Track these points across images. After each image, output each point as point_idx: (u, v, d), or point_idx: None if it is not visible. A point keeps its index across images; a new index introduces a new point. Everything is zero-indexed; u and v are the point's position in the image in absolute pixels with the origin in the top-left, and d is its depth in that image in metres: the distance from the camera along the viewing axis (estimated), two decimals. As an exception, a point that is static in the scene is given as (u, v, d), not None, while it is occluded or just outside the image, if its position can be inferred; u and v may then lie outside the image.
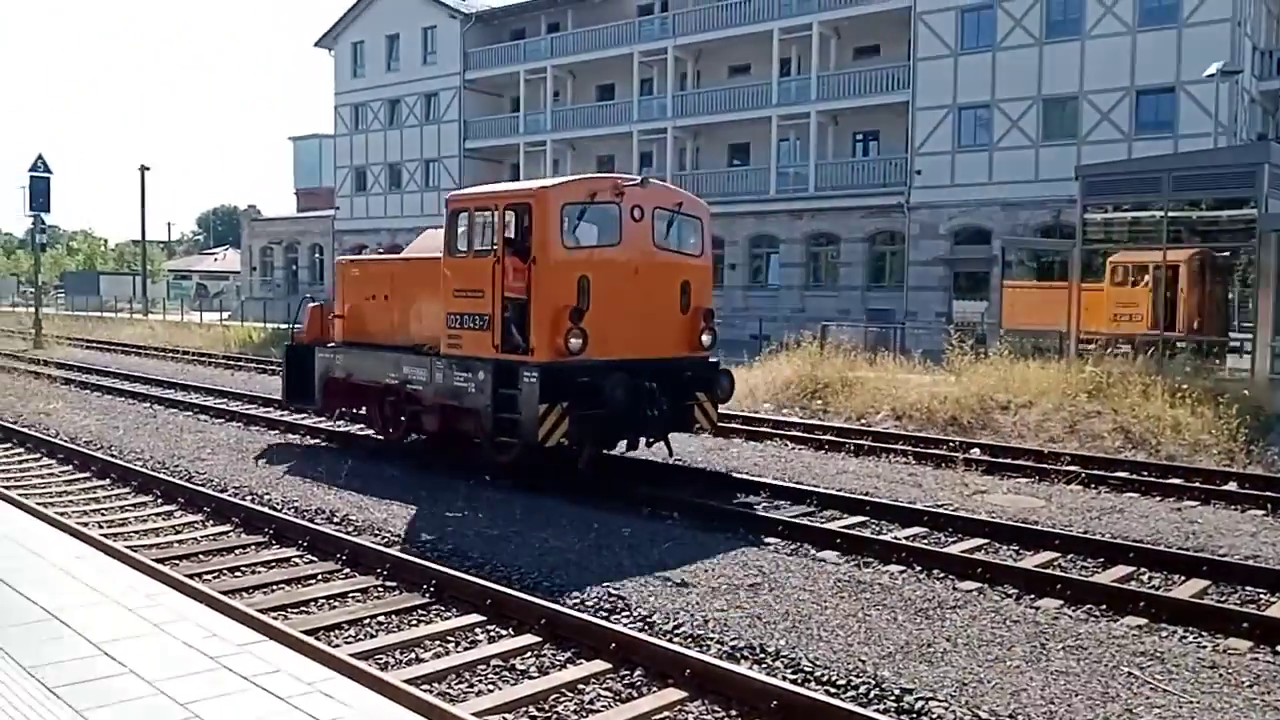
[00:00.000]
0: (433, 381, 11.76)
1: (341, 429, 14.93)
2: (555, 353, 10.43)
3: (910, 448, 13.81)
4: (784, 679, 5.62)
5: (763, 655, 6.06)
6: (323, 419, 15.53)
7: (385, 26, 49.77)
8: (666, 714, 5.29)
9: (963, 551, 8.52)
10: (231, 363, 28.44)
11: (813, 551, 8.54)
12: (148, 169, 63.84)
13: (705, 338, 11.77)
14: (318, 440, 14.38)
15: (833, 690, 5.56)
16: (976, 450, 13.57)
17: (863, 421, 16.66)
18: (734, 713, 5.28)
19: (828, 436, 14.78)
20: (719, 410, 12.18)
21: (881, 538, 8.88)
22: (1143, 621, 6.86)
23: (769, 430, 15.40)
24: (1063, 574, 7.86)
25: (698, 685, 5.48)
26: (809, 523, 9.35)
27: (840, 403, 17.83)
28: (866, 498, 10.47)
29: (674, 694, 5.45)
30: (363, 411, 14.03)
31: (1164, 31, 29.18)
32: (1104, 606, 7.14)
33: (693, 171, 40.78)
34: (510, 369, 10.59)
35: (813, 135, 36.38)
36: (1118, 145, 29.34)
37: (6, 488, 10.06)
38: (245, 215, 63.63)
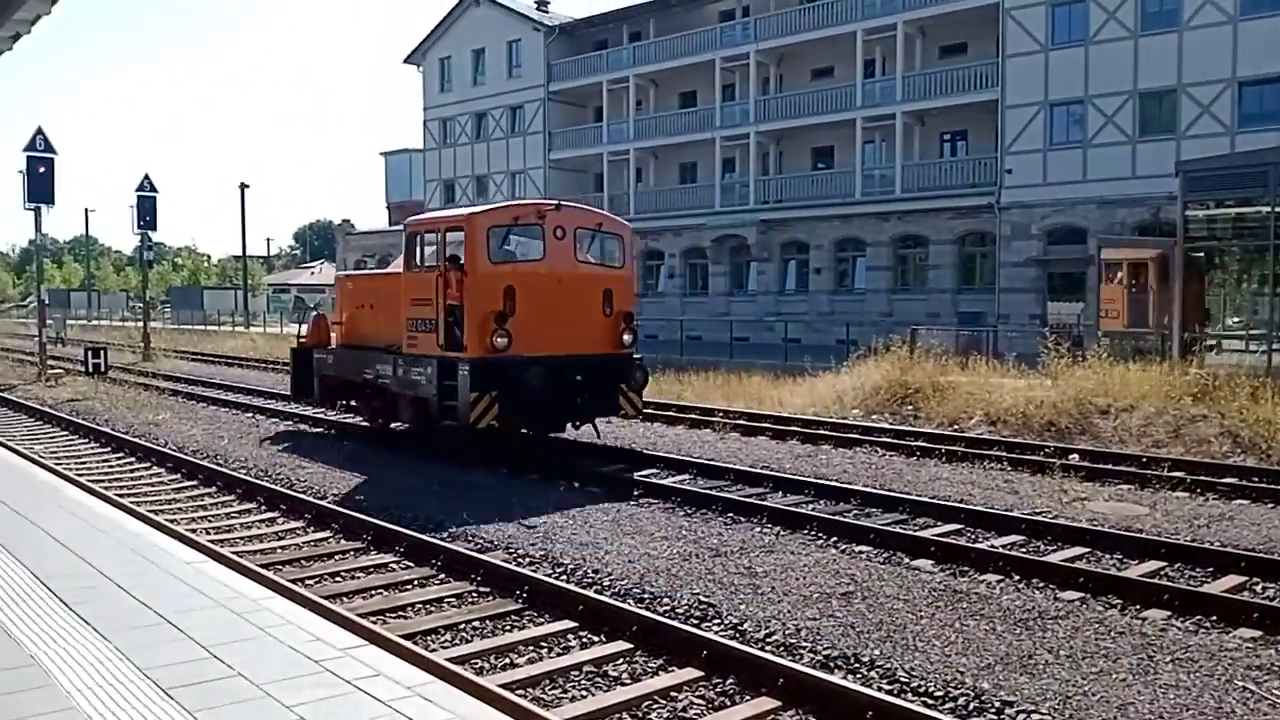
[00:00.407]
0: (396, 376, 14.01)
1: (414, 448, 15.23)
2: (484, 350, 12.45)
3: (1005, 454, 13.48)
4: (879, 689, 5.54)
5: (857, 665, 5.99)
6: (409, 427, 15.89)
7: (471, 41, 50.69)
8: (760, 723, 5.26)
9: (1063, 560, 8.29)
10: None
11: (906, 560, 8.40)
12: (247, 186, 65.98)
13: (626, 337, 13.74)
14: (392, 453, 14.66)
15: (930, 701, 5.46)
16: (1075, 456, 13.19)
17: (955, 427, 16.33)
18: (828, 723, 5.23)
19: (919, 443, 14.51)
20: (642, 398, 14.13)
21: (977, 546, 8.69)
22: (1258, 634, 6.57)
23: (858, 436, 15.20)
24: (1170, 584, 7.58)
25: (791, 694, 5.44)
26: (902, 530, 9.20)
27: (931, 408, 17.51)
28: (961, 505, 10.27)
29: (767, 703, 5.42)
30: (353, 404, 16.30)
31: (1270, 20, 27.96)
32: (1215, 618, 6.87)
33: (776, 176, 40.58)
34: (451, 364, 12.71)
35: (898, 137, 35.85)
36: (1219, 139, 28.22)
37: (120, 496, 10.50)
38: (340, 229, 65.32)
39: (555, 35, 47.25)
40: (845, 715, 5.20)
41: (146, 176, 34.93)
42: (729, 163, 41.53)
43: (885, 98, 36.35)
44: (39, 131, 26.37)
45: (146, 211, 35.23)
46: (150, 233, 36.68)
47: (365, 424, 16.08)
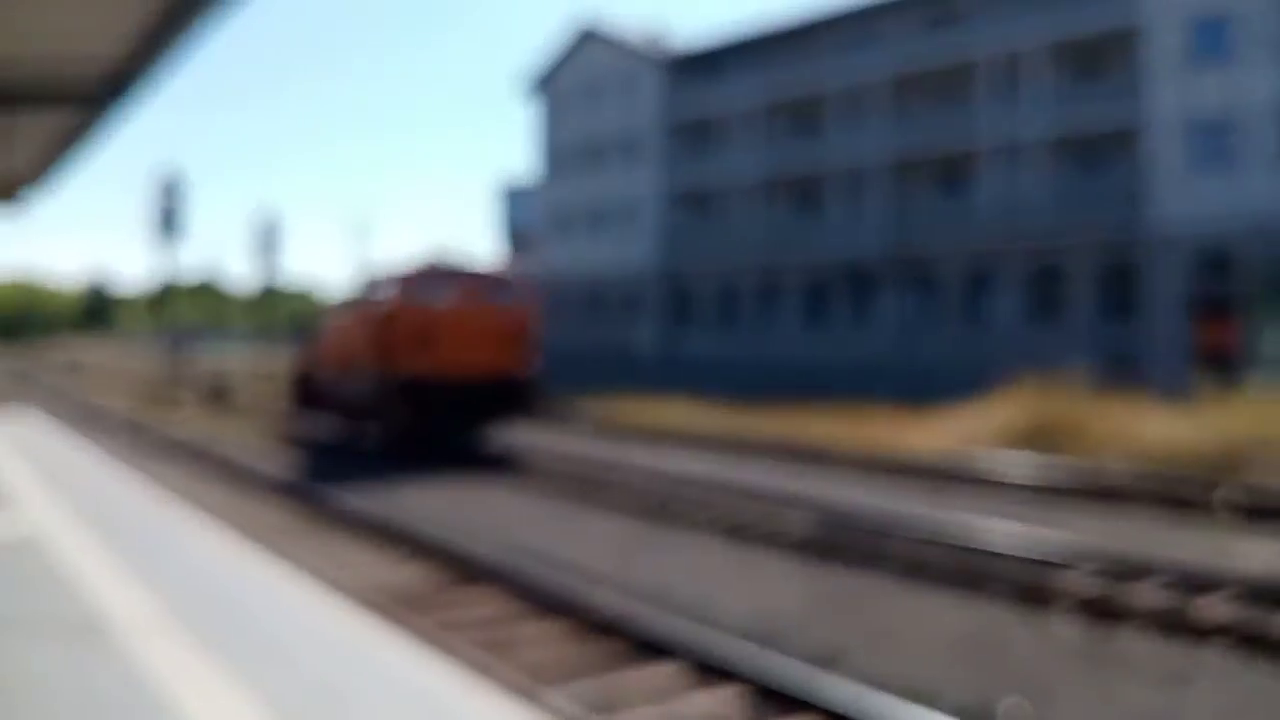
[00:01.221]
0: (352, 390, 18.48)
1: (577, 473, 15.20)
2: (406, 370, 16.73)
3: (1152, 494, 12.58)
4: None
5: (988, 725, 5.52)
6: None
7: (588, 75, 51.35)
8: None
9: (1213, 616, 7.54)
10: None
11: (1044, 611, 7.80)
12: (368, 222, 68.57)
13: (523, 361, 17.84)
14: (551, 483, 14.64)
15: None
16: (1232, 497, 12.19)
17: (1097, 466, 15.39)
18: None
19: (1056, 482, 13.69)
20: (533, 407, 18.47)
21: (1120, 597, 8.02)
22: None
23: (988, 476, 14.45)
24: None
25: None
26: (1039, 580, 8.58)
27: (1071, 445, 16.58)
28: (1102, 551, 9.55)
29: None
30: (332, 412, 20.09)
31: None
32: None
33: (903, 205, 39.66)
34: (383, 380, 17.09)
35: (1034, 163, 34.58)
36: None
37: (247, 525, 10.73)
38: (460, 263, 66.91)
39: (672, 67, 47.44)
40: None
41: (272, 212, 36.57)
42: (853, 191, 40.83)
43: (1019, 123, 35.17)
44: (172, 168, 27.89)
45: (271, 246, 36.77)
46: (276, 266, 38.28)
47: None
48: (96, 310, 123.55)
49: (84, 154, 13.98)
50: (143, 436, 21.44)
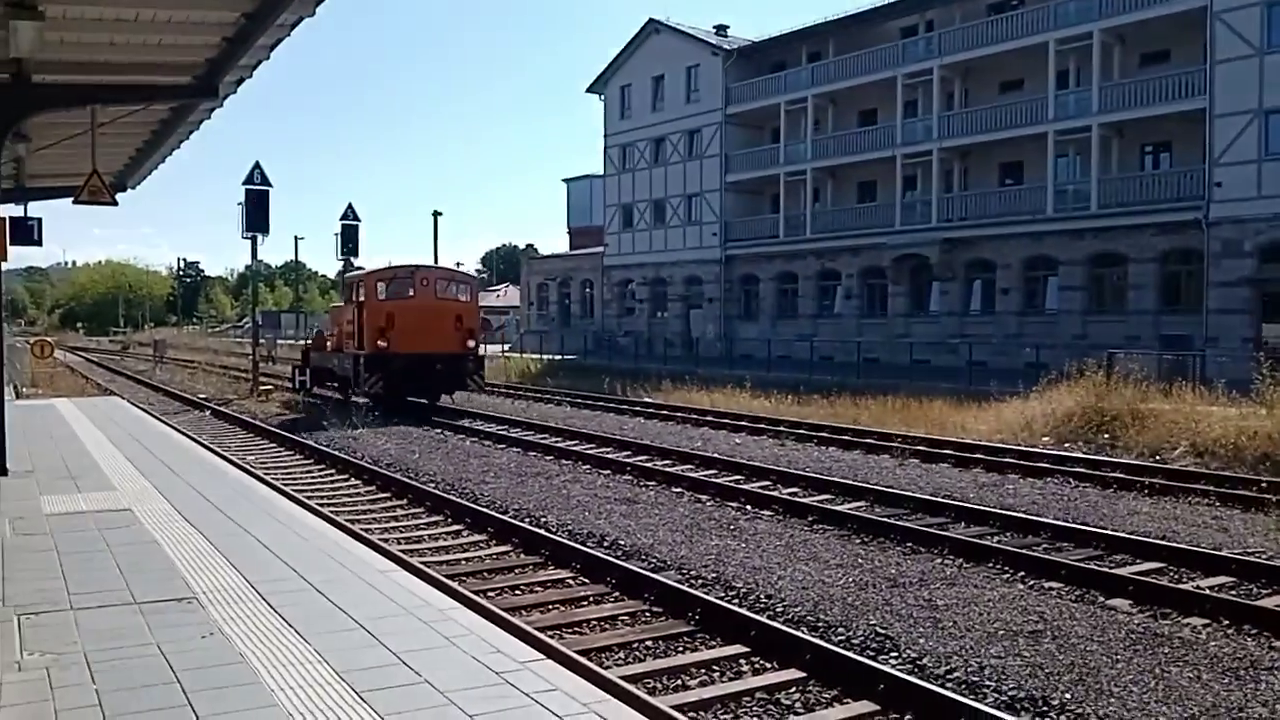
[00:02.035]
0: (340, 365, 24.18)
1: (634, 461, 15.50)
2: (375, 349, 21.95)
3: (1213, 488, 12.52)
4: (1069, 735, 5.25)
5: (1045, 708, 5.69)
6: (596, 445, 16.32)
7: (651, 69, 51.59)
8: (939, 762, 5.07)
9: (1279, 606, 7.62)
10: (512, 391, 30.26)
11: (1101, 599, 7.92)
12: (440, 214, 69.32)
13: (470, 343, 23.23)
14: (586, 466, 14.96)
15: (1126, 752, 5.13)
16: (1295, 492, 12.10)
17: (1157, 458, 15.31)
18: (1013, 767, 4.99)
19: (1116, 474, 13.68)
20: (482, 380, 24.02)
21: (1181, 587, 8.11)
22: None
23: (1048, 466, 14.47)
24: None
25: (973, 735, 5.22)
26: (1096, 567, 8.69)
27: (1130, 437, 16.50)
28: (1163, 542, 9.61)
29: (947, 742, 5.22)
30: (330, 384, 25.70)
31: None
32: None
33: (960, 193, 39.28)
34: (358, 357, 22.45)
35: (1094, 150, 34.01)
36: None
37: (323, 505, 11.20)
38: (524, 254, 67.72)
39: (733, 59, 47.45)
40: (1032, 760, 4.94)
41: (350, 206, 37.22)
42: (910, 180, 40.51)
43: (1080, 109, 34.59)
44: (256, 166, 28.63)
45: (350, 238, 37.53)
46: (353, 259, 39.05)
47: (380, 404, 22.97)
48: (185, 298, 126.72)
49: (176, 147, 14.57)
50: (225, 419, 22.19)
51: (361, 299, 22.93)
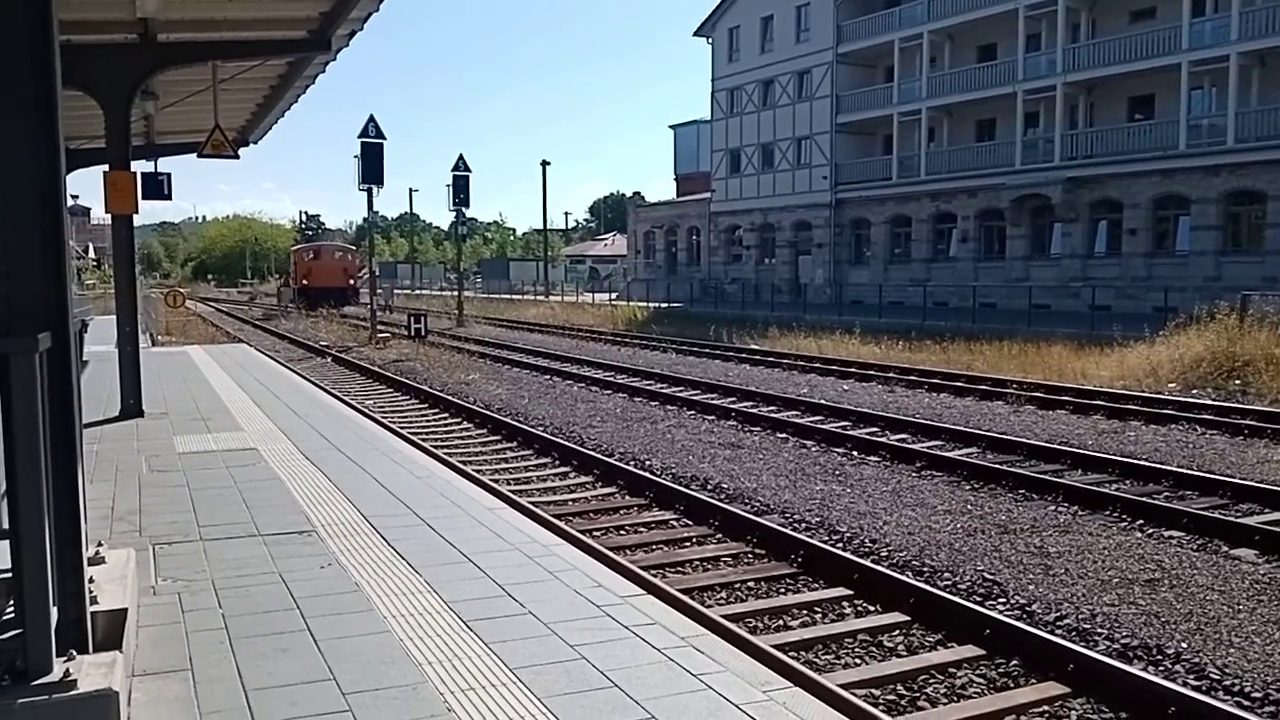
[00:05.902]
0: (292, 291, 52.52)
1: (738, 407, 15.50)
2: (300, 284, 52.25)
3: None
4: (1185, 684, 5.09)
5: (1160, 657, 5.53)
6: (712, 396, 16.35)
7: (760, 9, 50.49)
8: (1046, 709, 4.98)
9: None
10: (619, 339, 30.52)
11: (1224, 548, 7.60)
12: (548, 163, 69.83)
13: (352, 282, 53.16)
14: (691, 412, 15.02)
15: (1246, 704, 4.95)
16: None
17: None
18: (1123, 715, 4.87)
19: (1248, 421, 13.04)
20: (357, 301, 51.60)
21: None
22: None
23: (1173, 413, 13.88)
24: None
25: (1082, 682, 5.11)
26: (1221, 516, 8.34)
27: (1264, 383, 15.68)
28: None
29: (1055, 688, 5.12)
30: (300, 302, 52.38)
31: None
32: None
33: (1085, 130, 37.46)
34: (295, 288, 52.50)
35: (1233, 81, 31.91)
36: None
37: (434, 446, 11.55)
38: (631, 202, 67.79)
39: (844, -4, 46.08)
40: (1143, 710, 4.82)
41: (461, 157, 37.86)
42: (1031, 118, 38.82)
43: (1217, 38, 32.47)
44: (371, 120, 29.28)
45: (461, 189, 38.22)
46: (464, 209, 39.76)
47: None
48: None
49: (294, 101, 15.02)
50: (345, 365, 23.04)
51: (297, 257, 54.99)
